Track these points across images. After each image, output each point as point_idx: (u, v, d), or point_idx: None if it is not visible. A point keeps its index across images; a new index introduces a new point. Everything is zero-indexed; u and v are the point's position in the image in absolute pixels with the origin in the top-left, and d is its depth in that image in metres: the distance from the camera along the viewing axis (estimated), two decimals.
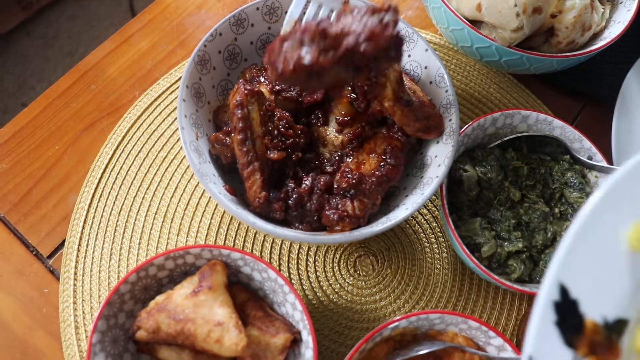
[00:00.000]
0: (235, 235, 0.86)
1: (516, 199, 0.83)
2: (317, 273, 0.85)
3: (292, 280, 0.84)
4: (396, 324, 0.72)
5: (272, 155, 0.74)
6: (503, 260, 0.80)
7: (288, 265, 0.85)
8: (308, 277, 0.84)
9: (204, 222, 0.86)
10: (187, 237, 0.85)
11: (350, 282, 0.84)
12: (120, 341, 0.72)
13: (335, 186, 0.76)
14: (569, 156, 0.85)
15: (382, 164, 0.75)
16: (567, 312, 0.63)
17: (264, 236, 0.86)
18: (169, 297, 0.71)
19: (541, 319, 0.61)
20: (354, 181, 0.74)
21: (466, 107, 0.97)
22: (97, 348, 0.68)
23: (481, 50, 0.87)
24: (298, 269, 0.85)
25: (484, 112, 0.97)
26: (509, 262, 0.80)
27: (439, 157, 0.76)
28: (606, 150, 0.91)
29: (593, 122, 0.99)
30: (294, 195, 0.75)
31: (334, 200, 0.74)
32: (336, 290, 0.84)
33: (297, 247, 0.86)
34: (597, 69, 1.00)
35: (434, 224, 0.89)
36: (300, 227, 0.75)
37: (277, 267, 0.84)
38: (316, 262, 0.85)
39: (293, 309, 0.73)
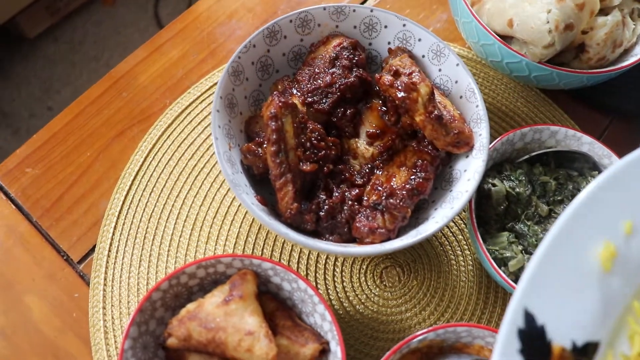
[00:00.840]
0: (264, 244, 0.87)
1: (544, 214, 0.83)
2: (344, 283, 0.85)
3: (320, 290, 0.84)
4: (424, 336, 0.73)
5: (304, 167, 0.75)
6: None
7: (315, 274, 0.85)
8: (335, 286, 0.85)
9: (233, 230, 0.87)
10: (216, 245, 0.86)
11: (377, 293, 0.85)
12: (150, 347, 0.73)
13: (365, 198, 0.77)
14: (597, 172, 0.85)
15: (412, 177, 0.76)
16: (532, 339, 0.60)
17: (292, 245, 0.86)
18: (200, 305, 0.72)
19: (504, 347, 0.59)
20: (384, 194, 0.75)
21: (493, 121, 0.97)
22: (128, 354, 0.69)
23: (511, 66, 0.87)
24: (325, 278, 0.85)
25: (512, 126, 0.97)
26: None
27: (469, 171, 0.77)
28: None
29: (621, 138, 0.99)
30: (325, 207, 0.75)
31: (365, 212, 0.75)
32: (362, 300, 0.84)
33: (325, 257, 0.86)
34: (626, 83, 1.00)
35: (460, 237, 0.89)
36: (330, 238, 0.76)
37: (305, 276, 0.85)
38: (343, 272, 0.86)
39: (322, 320, 0.74)
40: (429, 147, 0.78)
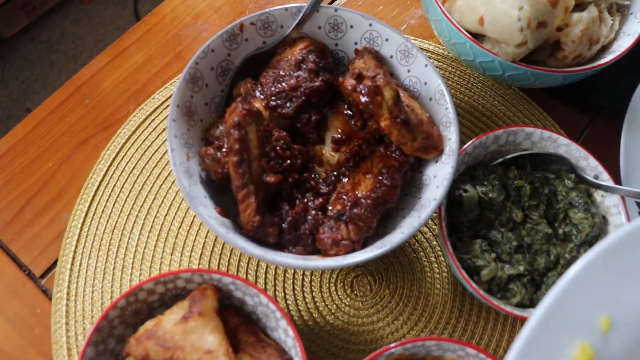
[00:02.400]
0: (230, 254, 0.84)
1: (518, 220, 0.80)
2: (313, 293, 0.83)
3: (288, 301, 0.82)
4: (391, 351, 0.70)
5: (268, 178, 0.72)
6: (504, 283, 0.77)
7: (284, 285, 0.83)
8: (304, 297, 0.82)
9: (199, 240, 0.85)
10: (182, 256, 0.84)
11: (347, 303, 0.82)
12: None
13: (330, 208, 0.74)
14: (574, 175, 0.82)
15: (378, 185, 0.73)
16: None
17: None
18: (158, 322, 0.70)
19: None
20: (349, 204, 0.72)
21: (469, 121, 0.94)
22: None
23: (484, 65, 0.84)
24: (294, 289, 0.83)
25: (488, 126, 0.94)
26: (510, 286, 0.78)
27: (438, 177, 0.74)
28: (615, 166, 0.87)
29: (602, 136, 0.95)
30: (288, 218, 0.73)
31: (329, 223, 0.72)
32: (332, 311, 0.82)
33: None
34: (606, 80, 0.97)
35: (434, 243, 0.86)
36: (294, 250, 0.73)
37: (273, 288, 0.82)
38: (312, 283, 0.83)
39: (285, 335, 0.71)
40: (397, 152, 0.75)
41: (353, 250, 0.71)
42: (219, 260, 0.84)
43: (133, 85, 0.93)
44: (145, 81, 0.93)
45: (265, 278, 0.83)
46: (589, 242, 0.81)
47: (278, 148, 0.74)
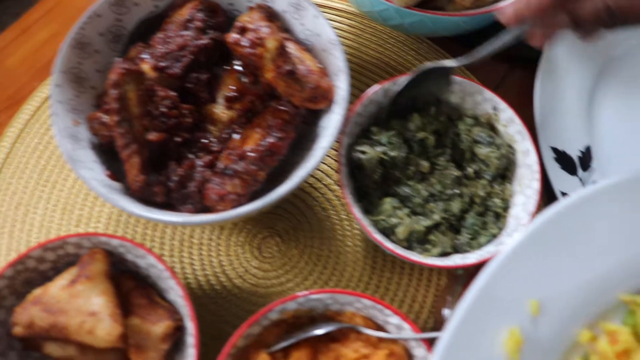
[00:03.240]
0: (137, 223, 0.83)
1: (426, 170, 0.78)
2: (221, 258, 0.81)
3: (194, 267, 0.80)
4: (282, 305, 0.68)
5: (150, 136, 0.71)
6: (422, 236, 0.76)
7: (190, 251, 0.81)
8: (211, 262, 0.81)
9: (104, 211, 0.83)
10: (87, 228, 0.82)
11: (255, 265, 0.81)
12: (3, 339, 0.70)
13: (218, 164, 0.72)
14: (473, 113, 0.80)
15: (266, 138, 0.71)
16: None
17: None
18: (45, 289, 0.69)
19: None
20: (235, 158, 0.71)
21: (381, 77, 0.92)
22: None
23: (383, 14, 0.82)
24: (200, 254, 0.81)
25: None
26: (429, 237, 0.76)
27: (328, 127, 0.72)
28: (532, 114, 0.86)
29: (519, 85, 0.93)
30: (175, 177, 0.71)
31: (216, 179, 0.71)
32: (240, 274, 0.80)
33: (200, 232, 0.82)
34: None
35: (345, 200, 0.84)
36: (183, 209, 0.72)
37: (179, 254, 0.81)
38: (219, 247, 0.81)
39: (176, 295, 0.70)
40: (288, 105, 0.74)
41: (240, 205, 0.69)
42: (125, 230, 0.82)
43: (38, 62, 0.92)
44: (51, 57, 0.91)
45: (172, 245, 0.81)
46: (501, 175, 0.79)
47: (163, 107, 0.72)
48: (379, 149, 0.76)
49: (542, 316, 0.62)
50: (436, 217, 0.76)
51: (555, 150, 0.86)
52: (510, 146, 0.80)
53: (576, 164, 0.87)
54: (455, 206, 0.77)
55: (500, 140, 0.79)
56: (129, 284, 0.72)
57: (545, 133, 0.86)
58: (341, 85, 0.73)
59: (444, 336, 0.59)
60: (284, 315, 0.70)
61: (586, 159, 0.88)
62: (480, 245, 0.75)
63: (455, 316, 0.59)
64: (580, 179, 0.86)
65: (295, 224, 0.83)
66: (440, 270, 0.82)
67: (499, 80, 0.95)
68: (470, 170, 0.78)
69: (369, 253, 0.82)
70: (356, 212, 0.72)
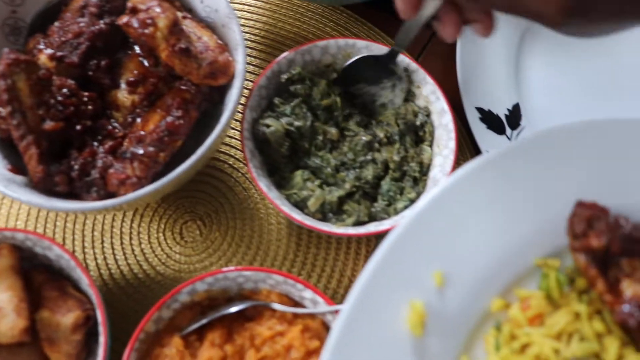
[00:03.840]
0: (58, 219, 0.82)
1: (335, 138, 0.77)
2: (142, 245, 0.80)
3: (116, 256, 0.79)
4: (190, 287, 0.67)
5: (46, 126, 0.69)
6: (336, 207, 0.74)
7: (111, 241, 0.80)
8: (133, 250, 0.80)
9: (24, 209, 0.82)
10: (7, 226, 0.81)
11: (178, 251, 0.80)
12: None
13: (120, 149, 0.71)
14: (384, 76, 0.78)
15: (163, 119, 0.70)
16: None
17: (86, 215, 0.81)
18: None
19: None
20: (134, 142, 0.69)
21: None
22: None
23: None
24: (122, 243, 0.80)
25: None
26: (344, 207, 0.74)
27: (229, 103, 0.71)
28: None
29: (444, 52, 0.91)
30: (76, 165, 0.70)
31: (118, 165, 0.69)
32: (163, 260, 0.79)
33: (120, 220, 0.81)
34: None
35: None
36: (88, 197, 0.71)
37: (100, 245, 0.80)
38: (140, 235, 0.80)
39: (86, 285, 0.69)
40: (188, 84, 0.72)
41: (142, 187, 0.68)
42: (45, 228, 0.81)
43: None
44: None
45: (92, 237, 0.80)
46: (419, 138, 0.78)
47: (59, 96, 0.71)
48: (284, 120, 0.75)
49: (448, 287, 0.59)
50: (347, 186, 0.74)
51: (480, 110, 0.84)
52: (427, 107, 0.78)
53: (504, 122, 0.85)
54: (369, 173, 0.75)
55: (399, 100, 0.77)
56: (40, 278, 0.71)
57: (469, 94, 0.84)
58: (238, 59, 0.72)
59: (345, 309, 0.57)
60: (197, 298, 0.69)
61: (514, 117, 0.86)
62: (397, 211, 0.74)
63: (355, 288, 0.57)
64: (509, 138, 0.84)
65: (217, 206, 0.81)
66: (369, 241, 0.81)
67: (423, 46, 0.93)
68: (382, 134, 0.76)
69: (293, 230, 0.81)
70: (262, 186, 0.71)
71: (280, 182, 0.75)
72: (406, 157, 0.76)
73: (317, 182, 0.75)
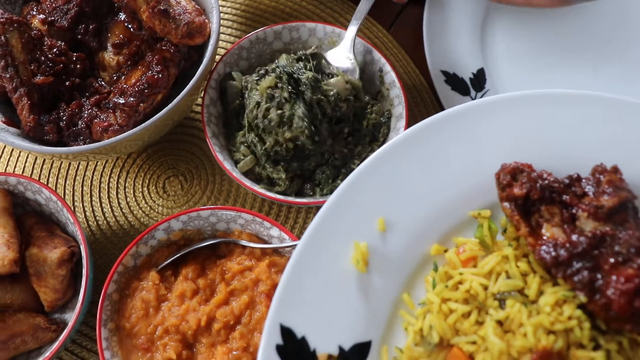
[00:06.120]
0: (49, 173, 0.88)
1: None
2: (128, 199, 0.86)
3: (104, 209, 0.85)
4: (166, 224, 0.73)
5: (37, 79, 0.76)
6: (266, 178, 0.79)
7: (99, 194, 0.86)
8: (119, 203, 0.85)
9: (30, 158, 0.89)
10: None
11: (161, 204, 0.85)
12: None
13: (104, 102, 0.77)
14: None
15: (146, 73, 0.76)
16: (294, 352, 0.61)
17: (76, 170, 0.87)
18: None
19: None
20: (118, 94, 0.76)
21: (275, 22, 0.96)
22: None
23: None
24: (109, 196, 0.86)
25: None
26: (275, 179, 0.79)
27: (204, 58, 0.77)
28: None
29: (414, 22, 0.96)
30: (64, 116, 0.76)
31: (102, 115, 0.76)
32: (146, 212, 0.85)
33: (107, 176, 0.87)
34: None
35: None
36: (75, 145, 0.77)
37: (89, 198, 0.86)
38: (126, 189, 0.86)
39: (72, 225, 0.75)
40: (169, 44, 0.79)
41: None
42: (46, 175, 0.88)
43: None
44: None
45: (82, 190, 0.86)
46: (375, 138, 0.82)
47: (50, 54, 0.78)
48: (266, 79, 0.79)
49: (390, 233, 0.66)
50: (283, 176, 0.78)
51: (445, 73, 0.89)
52: (390, 111, 0.82)
53: (468, 85, 0.90)
54: (311, 163, 0.79)
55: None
56: (31, 221, 0.77)
57: (435, 57, 0.89)
58: (213, 20, 0.78)
59: (298, 245, 0.64)
60: (173, 237, 0.74)
61: (479, 80, 0.91)
62: (323, 194, 0.79)
63: (308, 228, 0.64)
64: (473, 99, 0.89)
65: (198, 163, 0.87)
66: None
67: (394, 18, 0.98)
68: (346, 129, 0.80)
69: None
70: (208, 133, 0.77)
71: (231, 137, 0.82)
72: (353, 151, 0.80)
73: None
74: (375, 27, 0.97)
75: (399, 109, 0.80)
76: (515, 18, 0.96)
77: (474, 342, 0.59)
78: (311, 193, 0.78)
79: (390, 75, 0.82)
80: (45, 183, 0.87)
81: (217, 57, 0.83)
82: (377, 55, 0.82)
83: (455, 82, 0.89)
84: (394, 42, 0.96)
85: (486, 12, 0.96)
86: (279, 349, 0.60)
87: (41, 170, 0.88)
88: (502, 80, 0.92)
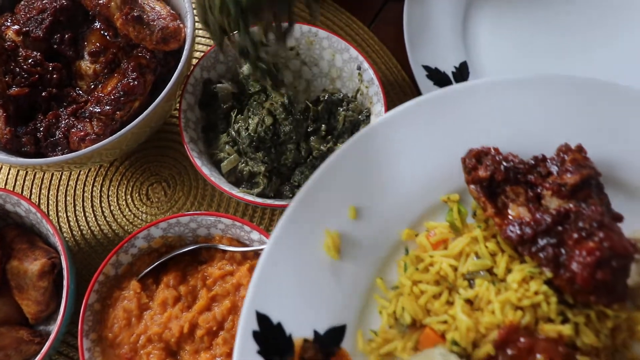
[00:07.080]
0: (32, 185, 0.88)
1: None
2: (112, 207, 0.85)
3: (88, 219, 0.85)
4: (145, 232, 0.72)
5: (12, 91, 0.76)
6: (247, 176, 0.79)
7: (83, 204, 0.86)
8: (102, 212, 0.85)
9: (13, 170, 0.89)
10: None
11: (144, 211, 0.85)
12: None
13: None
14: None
15: (122, 80, 0.76)
16: (270, 338, 0.62)
17: (59, 180, 0.87)
18: None
19: (241, 353, 0.60)
20: (94, 103, 0.75)
21: None
22: None
23: None
24: (92, 205, 0.86)
25: None
26: (255, 180, 0.79)
27: (180, 63, 0.76)
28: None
29: (395, 18, 0.95)
30: (42, 127, 0.76)
31: (79, 125, 0.75)
32: (130, 220, 0.84)
33: (90, 185, 0.87)
34: None
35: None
36: (54, 156, 0.76)
37: (73, 208, 0.86)
38: (110, 197, 0.86)
39: (52, 236, 0.74)
40: (144, 51, 0.78)
41: None
42: (23, 188, 0.87)
43: None
44: None
45: (65, 200, 0.86)
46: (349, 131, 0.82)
47: (25, 65, 0.77)
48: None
49: (362, 220, 0.67)
50: (262, 168, 0.78)
51: (426, 68, 0.88)
52: (368, 109, 0.82)
53: (451, 79, 0.89)
54: (289, 157, 0.79)
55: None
56: (12, 234, 0.77)
57: (416, 52, 0.88)
58: (188, 25, 0.77)
59: (272, 234, 0.64)
60: (154, 244, 0.74)
61: (461, 73, 0.90)
62: None
63: (282, 217, 0.65)
64: None
65: (180, 169, 0.87)
66: None
67: (374, 14, 0.97)
68: (323, 127, 0.80)
69: None
70: (186, 138, 0.76)
71: (212, 141, 0.81)
72: (333, 149, 0.79)
73: (236, 147, 0.80)
74: (356, 24, 0.96)
75: (378, 106, 0.79)
76: (498, 9, 0.95)
77: (444, 322, 0.60)
78: (290, 195, 0.78)
79: (369, 73, 0.81)
80: (28, 195, 0.87)
81: (194, 62, 0.82)
82: (354, 52, 0.81)
83: (438, 77, 0.88)
84: (375, 38, 0.95)
85: (468, 3, 0.95)
86: (255, 335, 0.62)
87: (24, 182, 0.88)
88: (486, 72, 0.91)
